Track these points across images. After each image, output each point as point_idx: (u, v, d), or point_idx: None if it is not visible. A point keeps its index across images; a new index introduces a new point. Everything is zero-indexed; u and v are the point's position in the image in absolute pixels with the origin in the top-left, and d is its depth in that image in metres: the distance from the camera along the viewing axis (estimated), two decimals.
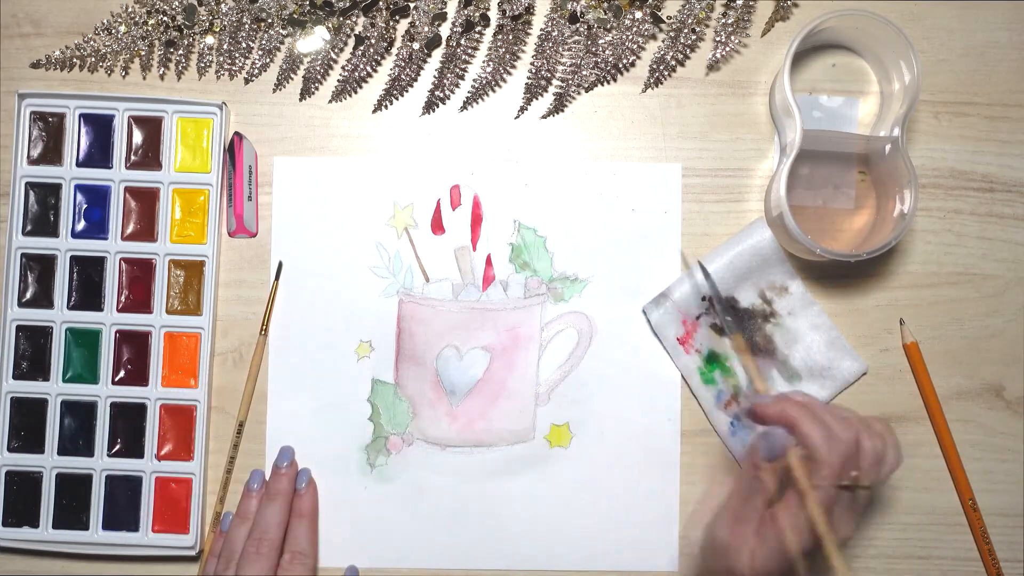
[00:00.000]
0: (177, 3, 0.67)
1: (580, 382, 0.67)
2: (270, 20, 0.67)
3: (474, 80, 0.68)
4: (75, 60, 0.67)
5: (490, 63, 0.68)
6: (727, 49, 0.67)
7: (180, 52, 0.68)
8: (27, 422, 0.66)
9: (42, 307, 0.66)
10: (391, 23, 0.68)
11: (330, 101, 0.68)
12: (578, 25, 0.67)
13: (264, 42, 0.68)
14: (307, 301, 0.67)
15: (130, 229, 0.66)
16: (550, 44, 0.67)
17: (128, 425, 0.66)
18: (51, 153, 0.67)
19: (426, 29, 0.67)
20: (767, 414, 0.55)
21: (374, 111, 0.68)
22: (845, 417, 0.55)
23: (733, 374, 0.66)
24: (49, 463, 0.65)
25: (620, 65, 0.68)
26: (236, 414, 0.66)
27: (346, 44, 0.68)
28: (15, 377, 0.66)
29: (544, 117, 0.68)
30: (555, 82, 0.68)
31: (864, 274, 0.67)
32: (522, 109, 0.68)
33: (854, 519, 0.55)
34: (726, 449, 0.66)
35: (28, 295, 0.66)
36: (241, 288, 0.67)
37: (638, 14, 0.67)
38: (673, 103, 0.68)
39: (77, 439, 0.66)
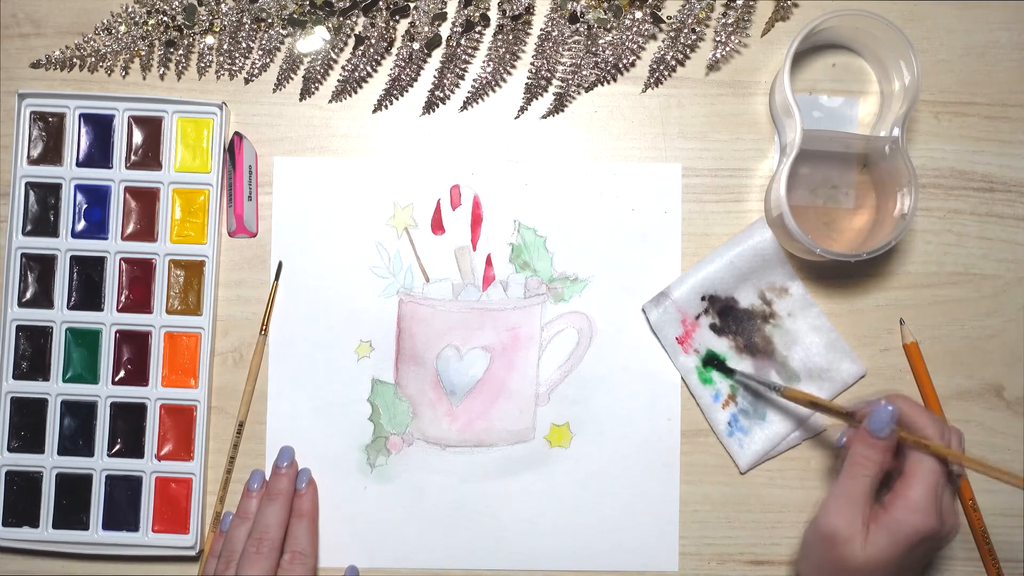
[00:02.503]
0: (177, 3, 0.67)
1: (580, 382, 0.67)
2: (270, 20, 0.67)
3: (474, 80, 0.68)
4: (75, 60, 0.67)
5: (490, 63, 0.68)
6: (727, 49, 0.67)
7: (180, 52, 0.68)
8: (27, 422, 0.66)
9: (42, 307, 0.66)
10: (391, 23, 0.68)
11: (330, 101, 0.68)
12: (578, 25, 0.67)
13: (264, 42, 0.68)
14: (307, 301, 0.67)
15: (130, 229, 0.66)
16: (550, 44, 0.67)
17: (128, 425, 0.66)
18: (51, 153, 0.67)
19: (426, 29, 0.67)
20: (865, 411, 0.56)
21: (374, 111, 0.68)
22: (929, 410, 0.57)
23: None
24: (49, 463, 0.65)
25: (620, 65, 0.68)
26: (236, 414, 0.66)
27: (346, 44, 0.68)
28: (15, 377, 0.66)
29: (544, 117, 0.68)
30: (555, 82, 0.68)
31: (864, 274, 0.67)
32: (522, 109, 0.68)
33: (955, 509, 0.56)
34: (726, 451, 0.66)
35: (28, 295, 0.66)
36: (241, 288, 0.67)
37: (638, 14, 0.67)
38: (673, 103, 0.68)
39: (77, 439, 0.66)
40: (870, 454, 0.55)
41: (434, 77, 0.68)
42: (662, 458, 0.66)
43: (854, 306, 0.67)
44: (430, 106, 0.68)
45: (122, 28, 0.67)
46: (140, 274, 0.66)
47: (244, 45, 0.67)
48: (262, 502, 0.63)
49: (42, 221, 0.66)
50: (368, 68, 0.68)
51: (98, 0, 0.68)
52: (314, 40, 0.68)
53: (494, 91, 0.68)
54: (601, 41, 0.67)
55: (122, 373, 0.66)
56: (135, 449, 0.66)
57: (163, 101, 0.66)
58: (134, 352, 0.66)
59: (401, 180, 0.67)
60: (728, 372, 0.66)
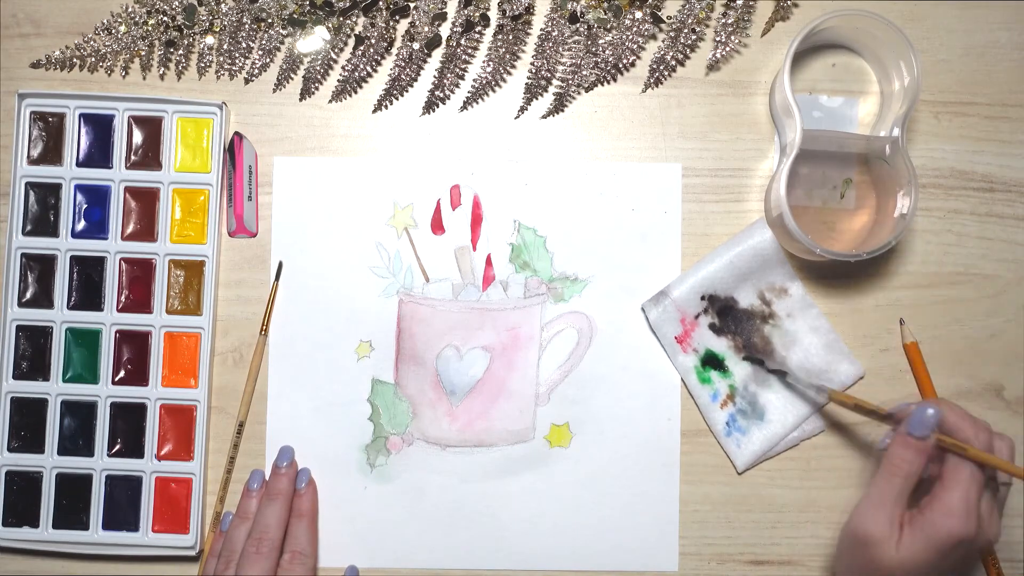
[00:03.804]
0: (177, 3, 0.67)
1: (580, 382, 0.67)
2: (270, 20, 0.67)
3: (474, 80, 0.68)
4: (75, 60, 0.67)
5: (490, 63, 0.68)
6: (727, 49, 0.67)
7: (180, 52, 0.68)
8: (27, 422, 0.66)
9: (42, 307, 0.66)
10: (391, 23, 0.68)
11: (330, 101, 0.68)
12: (578, 25, 0.67)
13: (264, 42, 0.68)
14: (307, 301, 0.67)
15: (130, 229, 0.66)
16: (550, 44, 0.67)
17: (128, 425, 0.66)
18: (51, 153, 0.67)
19: (426, 29, 0.67)
20: (907, 412, 0.55)
21: (374, 111, 0.68)
22: (976, 417, 0.55)
23: (730, 374, 0.66)
24: (49, 463, 0.65)
25: (620, 65, 0.68)
26: (236, 414, 0.66)
27: (346, 44, 0.68)
28: (15, 377, 0.66)
29: (544, 117, 0.68)
30: (555, 82, 0.68)
31: (864, 274, 0.67)
32: (522, 109, 0.68)
33: (999, 517, 0.55)
34: (723, 450, 0.66)
35: (28, 295, 0.66)
36: (241, 288, 0.67)
37: (638, 14, 0.67)
38: (673, 103, 0.68)
39: (77, 439, 0.66)
40: (906, 455, 0.54)
41: (434, 77, 0.68)
42: (662, 458, 0.66)
43: (854, 306, 0.67)
44: (430, 106, 0.68)
45: (122, 28, 0.67)
46: (140, 274, 0.66)
47: (244, 45, 0.67)
48: (262, 502, 0.63)
49: (42, 221, 0.66)
50: (368, 68, 0.68)
51: (98, 0, 0.68)
52: (314, 40, 0.68)
53: (494, 91, 0.68)
54: (601, 41, 0.67)
55: (122, 373, 0.66)
56: (135, 449, 0.66)
57: (163, 101, 0.66)
58: (134, 352, 0.66)
59: (401, 180, 0.67)
60: (780, 374, 0.65)
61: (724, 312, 0.67)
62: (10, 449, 0.66)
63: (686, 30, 0.67)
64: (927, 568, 0.53)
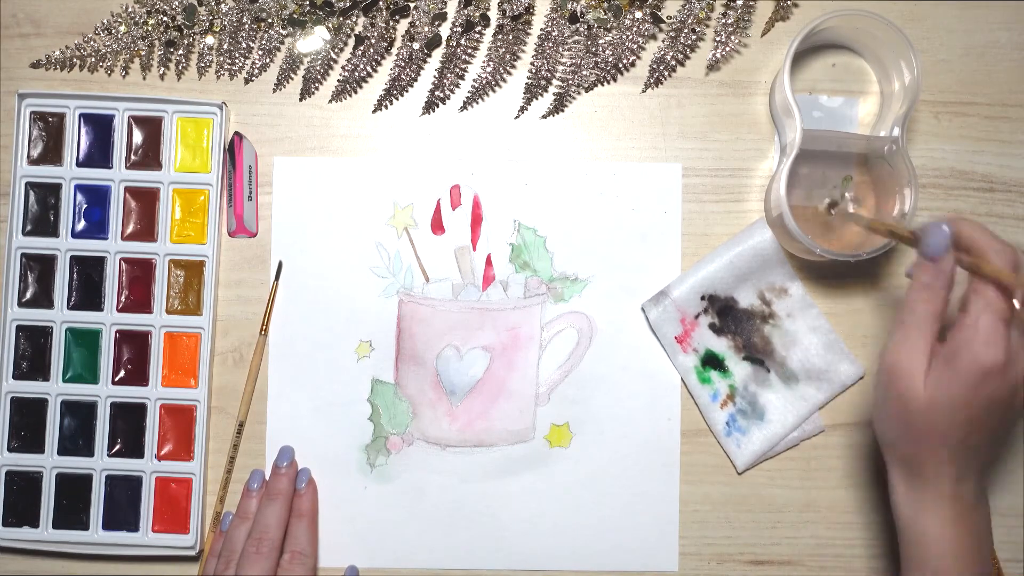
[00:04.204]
0: (177, 3, 0.67)
1: (580, 382, 0.67)
2: (270, 20, 0.67)
3: (474, 80, 0.68)
4: (75, 60, 0.67)
5: (490, 63, 0.68)
6: (727, 49, 0.67)
7: (180, 52, 0.68)
8: (27, 422, 0.66)
9: (42, 307, 0.66)
10: (391, 23, 0.68)
11: (330, 101, 0.68)
12: (578, 25, 0.67)
13: (264, 42, 0.68)
14: (307, 301, 0.67)
15: (130, 229, 0.66)
16: (550, 44, 0.67)
17: (128, 425, 0.66)
18: (51, 153, 0.67)
19: (426, 29, 0.67)
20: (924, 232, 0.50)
21: (374, 111, 0.68)
22: (1004, 240, 0.51)
23: (730, 374, 0.66)
24: (49, 463, 0.65)
25: (620, 65, 0.68)
26: (236, 414, 0.66)
27: (346, 44, 0.68)
28: (15, 377, 0.66)
29: (544, 117, 0.68)
30: (555, 82, 0.68)
31: (864, 274, 0.67)
32: (522, 109, 0.68)
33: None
34: (723, 450, 0.66)
35: (28, 295, 0.66)
36: (241, 288, 0.67)
37: (638, 14, 0.67)
38: (673, 103, 0.68)
39: (77, 439, 0.66)
40: (927, 280, 0.50)
41: (434, 77, 0.68)
42: (662, 458, 0.66)
43: (854, 306, 0.67)
44: (430, 106, 0.68)
45: (122, 28, 0.67)
46: (140, 274, 0.66)
47: (244, 45, 0.67)
48: (262, 502, 0.63)
49: (42, 221, 0.66)
50: (368, 68, 0.68)
51: (98, 0, 0.68)
52: (314, 40, 0.68)
53: (494, 91, 0.68)
54: (601, 41, 0.67)
55: (122, 373, 0.66)
56: (135, 449, 0.66)
57: (163, 101, 0.66)
58: (134, 352, 0.66)
59: (401, 180, 0.67)
60: (861, 219, 0.59)
61: (724, 312, 0.67)
62: (10, 449, 0.66)
63: (686, 30, 0.67)
64: (958, 405, 0.49)
